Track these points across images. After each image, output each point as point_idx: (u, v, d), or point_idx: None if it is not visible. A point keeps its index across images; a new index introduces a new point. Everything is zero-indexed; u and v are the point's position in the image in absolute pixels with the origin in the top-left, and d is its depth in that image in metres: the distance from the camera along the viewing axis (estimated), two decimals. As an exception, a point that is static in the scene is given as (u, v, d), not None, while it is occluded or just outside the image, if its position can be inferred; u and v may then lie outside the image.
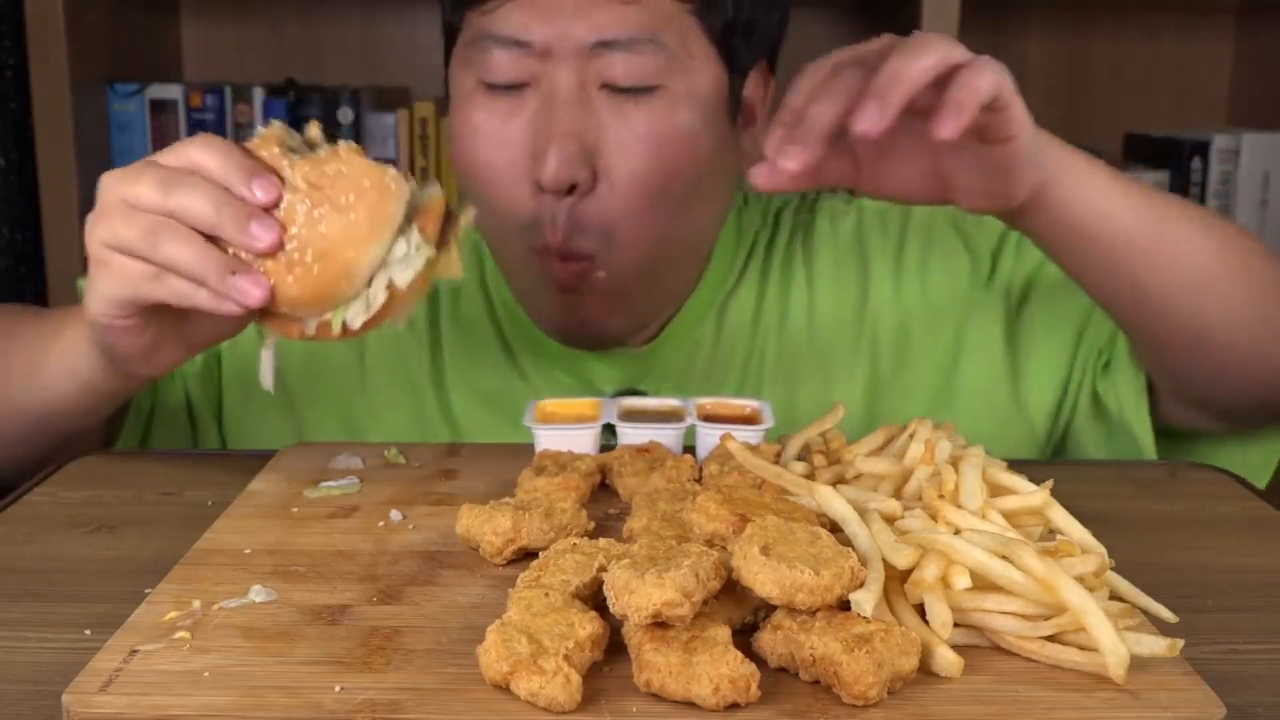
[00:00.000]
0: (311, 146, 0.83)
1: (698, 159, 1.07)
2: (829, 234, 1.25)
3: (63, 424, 1.02)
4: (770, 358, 1.21)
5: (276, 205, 0.79)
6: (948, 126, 0.80)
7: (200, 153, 0.81)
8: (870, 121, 0.80)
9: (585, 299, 1.09)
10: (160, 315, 0.86)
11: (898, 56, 0.82)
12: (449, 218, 0.83)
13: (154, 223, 0.80)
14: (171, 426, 1.18)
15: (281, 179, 0.79)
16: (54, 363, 0.98)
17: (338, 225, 0.78)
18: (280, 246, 0.78)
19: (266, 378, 0.86)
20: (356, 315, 0.80)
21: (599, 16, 1.03)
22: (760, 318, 1.22)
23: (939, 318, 1.20)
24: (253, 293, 0.78)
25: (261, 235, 0.78)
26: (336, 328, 0.81)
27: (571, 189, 1.04)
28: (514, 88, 1.05)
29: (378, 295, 0.80)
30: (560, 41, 1.03)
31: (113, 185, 0.82)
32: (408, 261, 0.80)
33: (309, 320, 0.81)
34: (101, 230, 0.82)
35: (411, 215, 0.81)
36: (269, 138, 0.82)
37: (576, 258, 1.06)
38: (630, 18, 1.03)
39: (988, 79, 0.82)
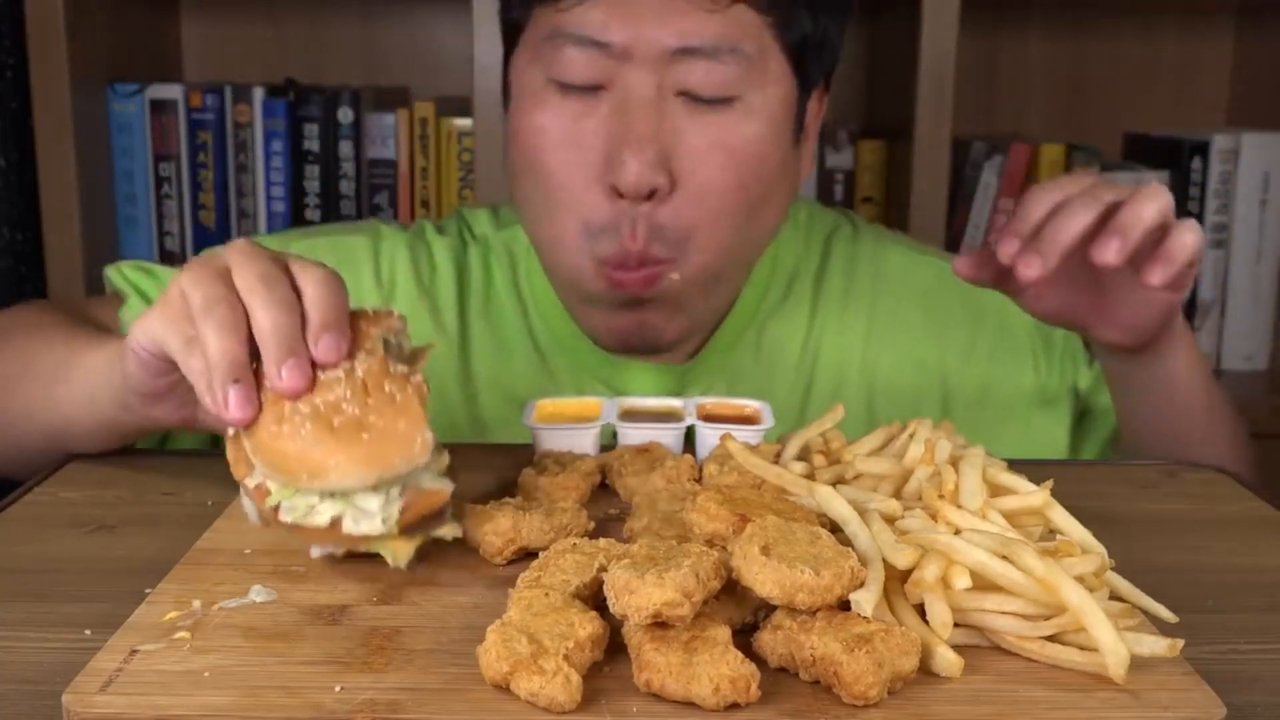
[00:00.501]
0: (409, 360, 0.80)
1: (766, 172, 1.07)
2: (899, 278, 1.25)
3: (72, 444, 1.01)
4: (818, 390, 1.20)
5: (325, 367, 0.76)
6: (1158, 274, 0.92)
7: (313, 279, 0.80)
8: (1112, 254, 0.90)
9: (649, 305, 1.08)
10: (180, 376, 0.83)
11: (1135, 202, 0.92)
12: (439, 515, 0.77)
13: (221, 298, 0.78)
14: (193, 434, 1.17)
15: (352, 356, 0.77)
16: (76, 381, 0.97)
17: (345, 434, 0.73)
18: (293, 398, 0.75)
19: (250, 515, 0.81)
20: (289, 512, 0.75)
21: (683, 22, 1.02)
22: (808, 348, 1.22)
23: (999, 410, 1.22)
24: (234, 411, 0.75)
25: (287, 379, 0.75)
26: (270, 503, 0.76)
27: (650, 194, 1.03)
28: (587, 89, 1.04)
29: (318, 517, 0.75)
30: (641, 44, 1.02)
31: (235, 250, 0.81)
32: (364, 518, 0.75)
33: (256, 474, 0.77)
34: (189, 275, 0.81)
35: (408, 488, 0.76)
36: (381, 319, 0.80)
37: (653, 263, 1.05)
38: (714, 26, 1.02)
39: (1193, 238, 0.93)
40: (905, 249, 1.29)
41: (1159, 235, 0.93)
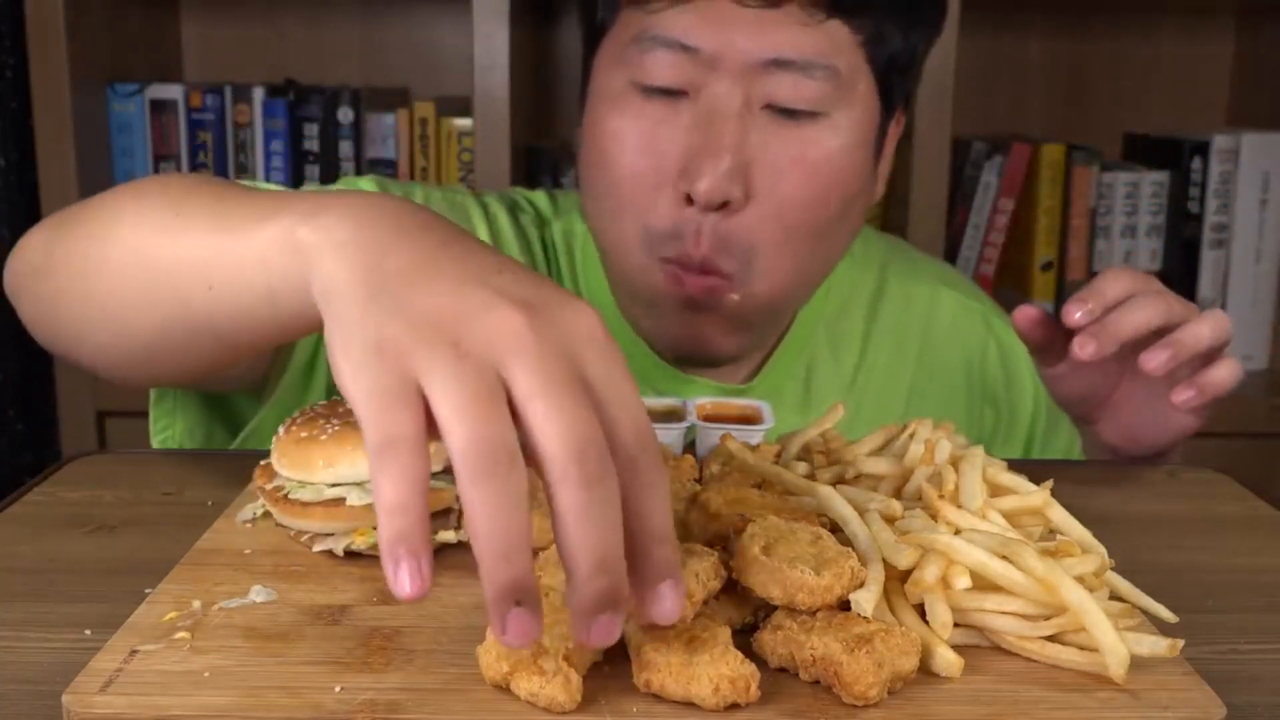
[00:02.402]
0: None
1: (845, 192, 1.06)
2: (949, 329, 1.26)
3: (232, 339, 0.75)
4: (859, 430, 1.21)
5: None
6: (1184, 397, 0.95)
7: (657, 487, 0.57)
8: (1158, 364, 0.92)
9: (708, 317, 1.07)
10: None
11: (1197, 322, 0.93)
12: (444, 515, 0.78)
13: (503, 449, 0.54)
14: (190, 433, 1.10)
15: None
16: (238, 265, 0.69)
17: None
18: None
19: (244, 516, 0.84)
20: (301, 495, 0.78)
21: (777, 35, 1.00)
22: (855, 386, 1.22)
23: None
24: (404, 583, 0.53)
25: (598, 636, 0.56)
26: (280, 494, 0.78)
27: (723, 205, 1.01)
28: (670, 93, 1.02)
29: (323, 495, 0.77)
30: (731, 53, 1.00)
31: (529, 350, 0.55)
32: (369, 497, 0.76)
33: (279, 479, 0.79)
34: (454, 366, 0.55)
35: None
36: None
37: (715, 274, 1.04)
38: (808, 40, 1.00)
39: (1231, 376, 0.95)
40: (959, 296, 1.29)
41: (1203, 361, 0.95)
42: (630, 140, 1.03)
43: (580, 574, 0.55)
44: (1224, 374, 0.95)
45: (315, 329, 0.66)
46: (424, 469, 0.55)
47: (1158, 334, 0.93)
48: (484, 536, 0.53)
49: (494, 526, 0.53)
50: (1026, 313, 0.99)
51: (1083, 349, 0.91)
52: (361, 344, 0.57)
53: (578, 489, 0.54)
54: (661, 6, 1.01)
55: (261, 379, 1.04)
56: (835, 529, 0.72)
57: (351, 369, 0.57)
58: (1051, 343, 1.00)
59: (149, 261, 0.76)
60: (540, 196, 1.26)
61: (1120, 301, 0.93)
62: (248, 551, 0.79)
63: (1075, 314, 0.92)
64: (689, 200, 1.02)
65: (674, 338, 1.10)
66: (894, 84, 1.08)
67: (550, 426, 0.54)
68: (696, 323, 1.08)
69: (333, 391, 1.11)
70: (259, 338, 0.74)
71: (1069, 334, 0.97)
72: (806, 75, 1.01)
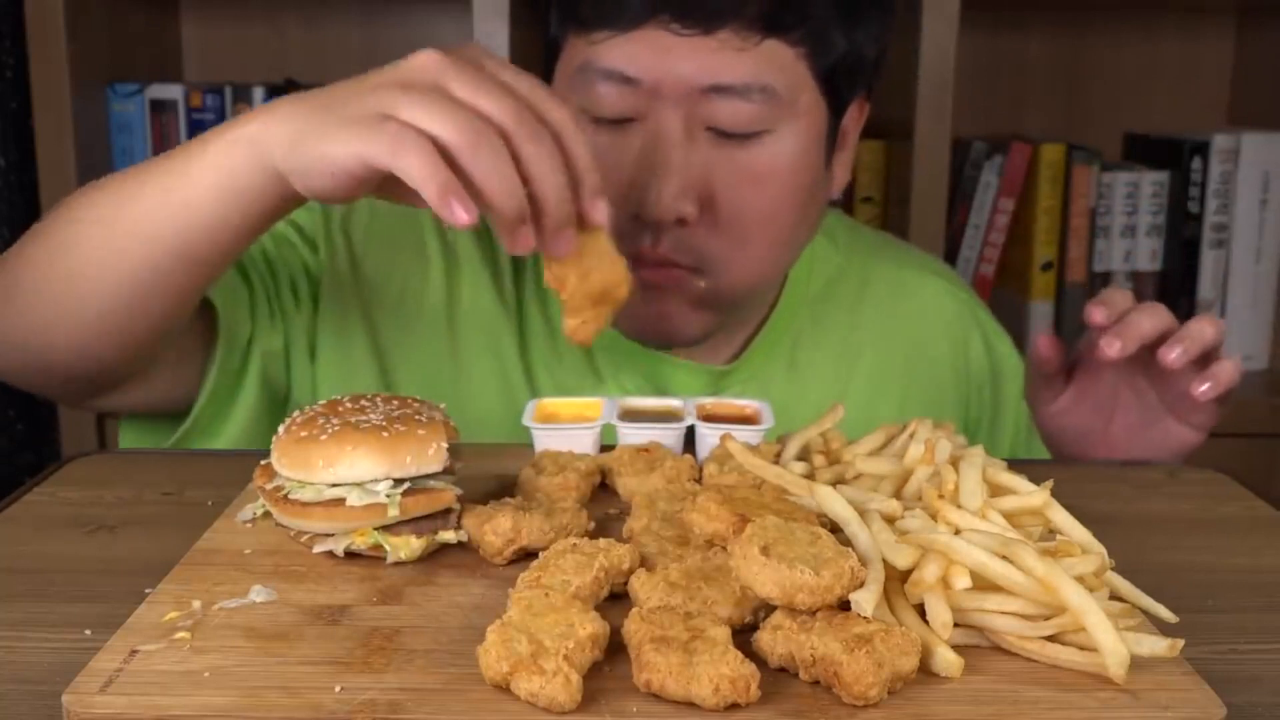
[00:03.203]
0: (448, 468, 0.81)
1: (798, 198, 1.09)
2: (937, 310, 1.28)
3: (202, 254, 0.89)
4: (848, 418, 1.22)
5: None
6: (1207, 389, 1.01)
7: (573, 138, 0.82)
8: (1174, 357, 0.99)
9: (671, 295, 1.09)
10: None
11: (1198, 321, 1.01)
12: (444, 515, 0.79)
13: (484, 131, 0.77)
14: (270, 365, 1.13)
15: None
16: (197, 180, 0.86)
17: (365, 431, 0.77)
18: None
19: (244, 516, 0.83)
20: (301, 495, 0.77)
21: (713, 61, 1.02)
22: (840, 374, 1.23)
23: None
24: (459, 213, 0.76)
25: (564, 245, 0.83)
26: (280, 494, 0.78)
27: (679, 222, 1.05)
28: (619, 122, 1.05)
29: (323, 495, 0.77)
30: (669, 81, 1.03)
31: (461, 72, 0.79)
32: (369, 498, 0.76)
33: (279, 479, 0.79)
34: (412, 96, 0.77)
35: (416, 487, 0.78)
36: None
37: (674, 266, 1.07)
38: (745, 65, 1.03)
39: (1234, 371, 1.02)
40: (945, 283, 1.31)
41: (1203, 363, 1.01)
42: None
43: (549, 205, 0.80)
44: (1230, 367, 1.01)
45: (291, 202, 0.86)
46: (429, 146, 0.75)
47: (1159, 342, 1.00)
48: (495, 192, 0.77)
49: (500, 182, 0.77)
50: (1046, 341, 1.06)
51: (1110, 347, 0.97)
52: (335, 128, 0.78)
53: (529, 142, 0.78)
54: (603, 37, 1.04)
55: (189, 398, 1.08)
56: (835, 529, 0.72)
57: (337, 145, 0.78)
58: (1059, 372, 1.07)
59: (115, 222, 0.90)
60: None
61: (1130, 311, 1.00)
62: (248, 551, 0.79)
63: (1097, 315, 1.00)
64: (642, 222, 1.05)
65: (636, 317, 1.11)
66: (842, 86, 1.10)
67: (494, 107, 0.78)
68: (659, 300, 1.09)
69: (273, 400, 1.13)
70: (240, 237, 0.89)
71: (1070, 370, 1.06)
72: (744, 99, 1.03)
